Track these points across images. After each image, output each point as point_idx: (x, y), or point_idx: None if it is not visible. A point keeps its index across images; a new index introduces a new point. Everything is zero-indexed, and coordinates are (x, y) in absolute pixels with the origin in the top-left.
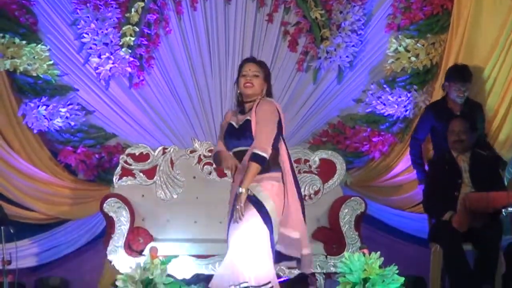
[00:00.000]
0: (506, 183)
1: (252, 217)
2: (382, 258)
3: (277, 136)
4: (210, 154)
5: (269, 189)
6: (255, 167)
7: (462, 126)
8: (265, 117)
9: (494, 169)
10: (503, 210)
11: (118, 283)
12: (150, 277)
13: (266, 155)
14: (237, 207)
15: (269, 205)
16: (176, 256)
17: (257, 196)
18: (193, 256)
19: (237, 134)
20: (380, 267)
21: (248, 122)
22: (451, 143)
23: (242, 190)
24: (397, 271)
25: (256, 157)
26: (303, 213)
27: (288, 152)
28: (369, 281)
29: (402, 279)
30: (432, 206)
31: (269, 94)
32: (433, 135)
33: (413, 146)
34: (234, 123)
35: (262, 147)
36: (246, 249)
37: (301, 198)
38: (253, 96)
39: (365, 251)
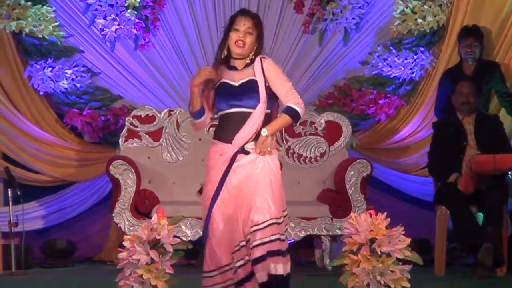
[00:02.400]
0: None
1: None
2: (389, 219)
3: None
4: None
5: (273, 153)
6: (287, 120)
7: (470, 88)
8: (280, 74)
9: (499, 131)
10: (509, 172)
11: (125, 243)
12: (158, 237)
13: (300, 110)
14: (264, 150)
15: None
16: (182, 217)
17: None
18: (199, 218)
19: (238, 93)
20: (386, 228)
21: (253, 82)
22: (459, 105)
23: (267, 133)
24: (403, 232)
25: (291, 111)
26: None
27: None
28: (375, 241)
29: (408, 240)
30: (437, 169)
31: (257, 54)
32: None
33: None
34: (230, 81)
35: (296, 101)
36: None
37: None
38: (242, 55)
39: (372, 212)
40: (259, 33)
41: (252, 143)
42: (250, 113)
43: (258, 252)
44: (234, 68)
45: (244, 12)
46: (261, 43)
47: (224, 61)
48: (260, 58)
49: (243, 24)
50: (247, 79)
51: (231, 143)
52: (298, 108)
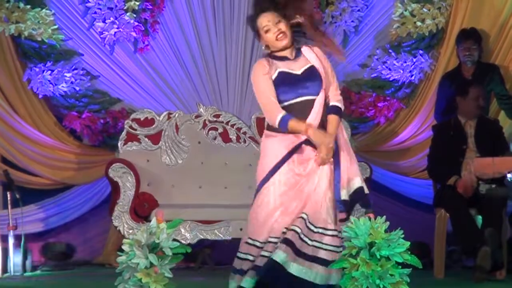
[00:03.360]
0: (511, 148)
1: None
2: (388, 223)
3: None
4: (215, 119)
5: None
6: (339, 121)
7: (482, 92)
8: (329, 64)
9: (499, 135)
10: (508, 175)
11: (124, 247)
12: (157, 241)
13: (343, 108)
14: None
15: None
16: (182, 220)
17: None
18: (198, 221)
19: (301, 82)
20: (385, 231)
21: (314, 69)
22: (474, 110)
23: (332, 144)
24: (402, 235)
25: (340, 111)
26: None
27: None
28: (375, 245)
29: (407, 243)
30: (436, 171)
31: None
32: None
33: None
34: (291, 71)
35: (340, 99)
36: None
37: None
38: (288, 44)
39: (371, 215)
40: (285, 13)
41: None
42: (313, 100)
43: (320, 254)
44: (285, 58)
45: (261, 10)
46: (293, 26)
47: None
48: (309, 47)
49: (268, 21)
50: (307, 66)
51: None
52: (342, 106)
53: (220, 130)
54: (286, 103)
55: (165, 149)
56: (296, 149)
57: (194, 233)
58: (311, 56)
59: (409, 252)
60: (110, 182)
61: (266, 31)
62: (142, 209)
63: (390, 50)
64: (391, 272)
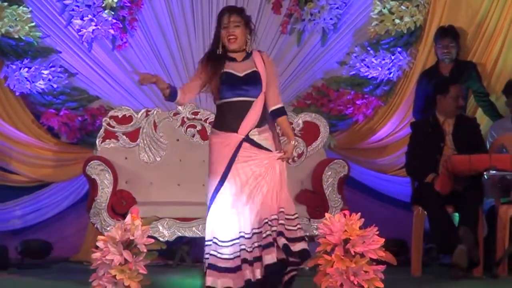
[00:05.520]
0: (488, 146)
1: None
2: (363, 219)
3: None
4: (193, 116)
5: (270, 139)
6: (287, 120)
7: (462, 91)
8: (274, 71)
9: (476, 133)
10: (484, 173)
11: (98, 243)
12: (131, 238)
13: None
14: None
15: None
16: (156, 218)
17: (264, 145)
18: (176, 219)
19: (244, 83)
20: (360, 228)
21: (256, 73)
22: (454, 108)
23: (294, 141)
24: (377, 232)
25: (284, 111)
26: None
27: None
28: (349, 242)
29: (382, 240)
30: (414, 169)
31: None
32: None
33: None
34: (234, 72)
35: (280, 101)
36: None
37: None
38: (237, 48)
39: (346, 212)
40: (247, 24)
41: (255, 130)
42: (252, 102)
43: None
44: (234, 60)
45: (228, 10)
46: (252, 33)
47: (222, 55)
48: (259, 52)
49: (230, 21)
50: (250, 70)
51: (236, 132)
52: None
53: (199, 127)
54: (223, 101)
55: (143, 146)
56: (239, 148)
57: (172, 231)
58: (258, 60)
59: (384, 249)
60: (87, 179)
61: (224, 28)
62: (120, 207)
63: (369, 48)
64: (365, 268)
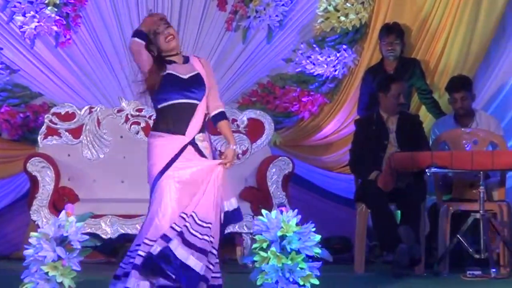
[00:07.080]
0: (430, 143)
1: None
2: (300, 216)
3: None
4: (138, 113)
5: (209, 149)
6: (230, 124)
7: (404, 88)
8: (213, 75)
9: (419, 130)
10: (427, 170)
11: (31, 240)
12: (65, 234)
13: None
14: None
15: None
16: (91, 214)
17: (204, 153)
18: (119, 216)
19: (187, 86)
20: (297, 225)
21: (199, 76)
22: (395, 106)
23: (236, 147)
24: (314, 229)
25: (225, 115)
26: None
27: None
28: (285, 238)
29: (318, 237)
30: (358, 166)
31: None
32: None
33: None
34: (178, 74)
35: (221, 104)
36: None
37: None
38: (177, 47)
39: (283, 209)
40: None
41: (200, 135)
42: (197, 105)
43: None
44: (173, 62)
45: (154, 14)
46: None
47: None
48: (196, 57)
49: (159, 25)
50: (194, 73)
51: (184, 134)
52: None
53: (143, 124)
54: (171, 102)
55: (86, 143)
56: (183, 150)
57: (115, 228)
58: (197, 64)
59: (320, 246)
60: (28, 176)
61: (157, 33)
62: (62, 204)
63: (314, 45)
64: (301, 265)
